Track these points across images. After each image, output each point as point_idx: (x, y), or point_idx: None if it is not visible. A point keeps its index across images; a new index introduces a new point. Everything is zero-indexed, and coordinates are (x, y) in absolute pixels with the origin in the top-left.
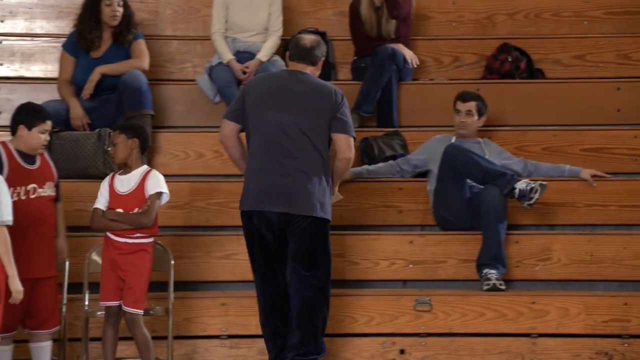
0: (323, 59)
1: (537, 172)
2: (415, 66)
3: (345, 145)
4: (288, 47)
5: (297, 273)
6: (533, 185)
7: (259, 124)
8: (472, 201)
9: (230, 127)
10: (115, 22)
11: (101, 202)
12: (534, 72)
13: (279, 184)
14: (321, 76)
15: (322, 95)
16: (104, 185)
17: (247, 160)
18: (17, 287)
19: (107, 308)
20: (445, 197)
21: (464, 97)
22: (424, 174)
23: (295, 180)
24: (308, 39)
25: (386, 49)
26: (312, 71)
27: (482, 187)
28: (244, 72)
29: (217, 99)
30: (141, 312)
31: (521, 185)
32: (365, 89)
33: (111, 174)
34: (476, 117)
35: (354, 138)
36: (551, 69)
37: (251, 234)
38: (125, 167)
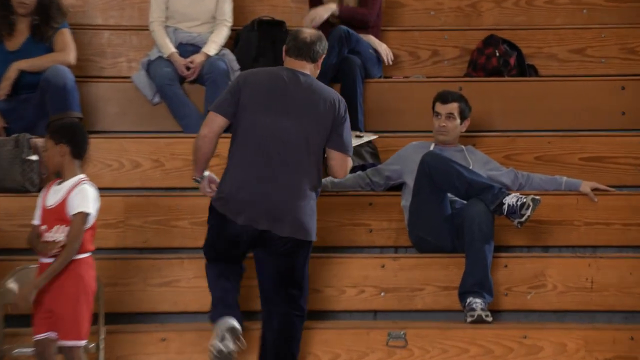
0: (324, 55)
1: (529, 184)
2: (390, 63)
3: (339, 166)
4: (286, 41)
5: (278, 293)
6: (524, 200)
7: (252, 127)
8: (454, 218)
9: (218, 124)
10: (24, 12)
11: (36, 216)
12: (525, 69)
13: (268, 199)
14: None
15: (326, 103)
16: (39, 197)
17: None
18: None
19: (35, 342)
20: (422, 214)
21: (444, 97)
22: (398, 187)
23: (287, 196)
24: (308, 32)
25: (339, 29)
26: (311, 69)
27: (465, 202)
28: (188, 68)
29: (157, 99)
30: (79, 343)
31: (511, 200)
32: None
33: (49, 183)
34: (458, 121)
35: (351, 158)
36: (545, 65)
37: (220, 233)
38: (63, 177)
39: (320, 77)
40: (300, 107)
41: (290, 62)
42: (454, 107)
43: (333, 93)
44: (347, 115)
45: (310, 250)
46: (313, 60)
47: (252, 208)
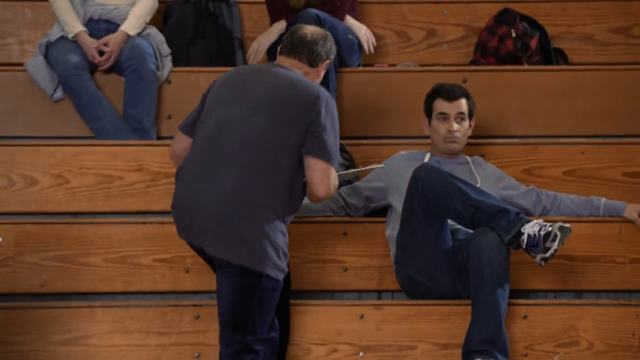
0: (328, 61)
1: (555, 208)
2: (372, 51)
3: (319, 179)
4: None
5: (224, 334)
6: (550, 228)
7: (204, 120)
8: (457, 253)
9: (183, 144)
10: None
11: None
12: (551, 54)
13: (203, 206)
14: (220, 56)
15: (303, 98)
16: None
17: None
18: None
19: None
20: (414, 248)
21: (450, 93)
22: (382, 212)
23: (226, 203)
24: (310, 29)
25: (307, 14)
26: (307, 73)
27: (471, 231)
28: (101, 53)
29: (59, 93)
30: None
31: (532, 228)
32: None
33: None
34: (467, 123)
35: (336, 169)
36: (578, 49)
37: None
38: None
39: None
40: (269, 101)
41: (280, 61)
42: (463, 104)
43: (316, 88)
44: (332, 115)
45: (270, 289)
46: (310, 62)
47: (188, 218)
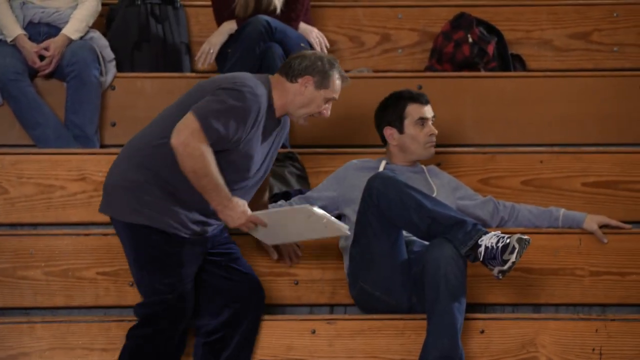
0: (310, 79)
1: (513, 219)
2: (325, 53)
3: (181, 125)
4: None
5: None
6: (507, 240)
7: None
8: (412, 266)
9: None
10: None
11: None
12: (509, 61)
13: None
14: (167, 61)
15: (214, 82)
16: None
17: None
18: None
19: None
20: (368, 260)
21: (422, 97)
22: None
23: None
24: (308, 52)
25: (257, 21)
26: (286, 90)
27: (427, 243)
28: (42, 57)
29: None
30: None
31: (489, 240)
32: None
33: None
34: None
35: (205, 129)
36: (537, 55)
37: None
38: None
39: None
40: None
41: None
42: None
43: (230, 77)
44: (227, 99)
45: (134, 234)
46: (287, 76)
47: None
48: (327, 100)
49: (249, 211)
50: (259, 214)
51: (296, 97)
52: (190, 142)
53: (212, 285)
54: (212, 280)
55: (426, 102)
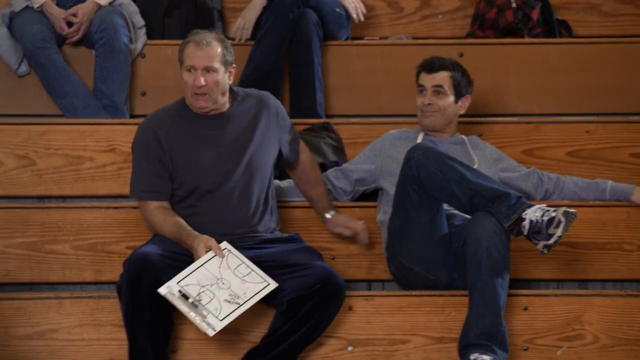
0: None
1: (558, 191)
2: (361, 19)
3: None
4: None
5: None
6: (553, 214)
7: None
8: (453, 240)
9: None
10: None
11: None
12: (554, 27)
13: None
14: (198, 28)
15: None
16: None
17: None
18: None
19: None
20: (407, 234)
21: (430, 65)
22: (372, 195)
23: None
24: None
25: None
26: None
27: (468, 217)
28: (70, 24)
29: (24, 67)
30: None
31: (534, 214)
32: (257, 57)
33: None
34: (451, 98)
35: (139, 198)
36: (583, 20)
37: None
38: None
39: (271, 57)
40: None
41: None
42: (444, 77)
43: None
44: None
45: None
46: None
47: None
48: (188, 70)
49: (204, 245)
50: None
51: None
52: (146, 223)
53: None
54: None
55: (432, 71)
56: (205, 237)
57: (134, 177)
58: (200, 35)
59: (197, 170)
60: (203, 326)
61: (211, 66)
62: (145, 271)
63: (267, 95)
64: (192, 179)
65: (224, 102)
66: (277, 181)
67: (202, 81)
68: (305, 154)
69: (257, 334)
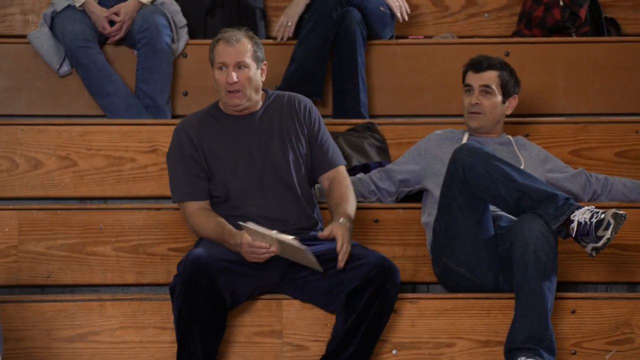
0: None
1: (607, 193)
2: (405, 19)
3: None
4: None
5: None
6: (602, 215)
7: None
8: (499, 243)
9: None
10: None
11: None
12: (603, 25)
13: None
14: (240, 27)
15: None
16: None
17: None
18: None
19: None
20: (452, 236)
21: (477, 64)
22: (416, 197)
23: None
24: None
25: None
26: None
27: (515, 218)
28: (112, 23)
29: (65, 67)
30: None
31: (582, 215)
32: (300, 57)
33: None
34: (499, 98)
35: (179, 200)
36: (632, 18)
37: None
38: None
39: (314, 57)
40: None
41: None
42: (491, 77)
43: None
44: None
45: None
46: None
47: None
48: (220, 68)
49: (245, 240)
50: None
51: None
52: (187, 225)
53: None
54: None
55: (480, 70)
56: (239, 234)
57: (173, 181)
58: (229, 33)
59: (229, 170)
60: (295, 242)
61: (242, 61)
62: (201, 273)
63: (299, 96)
64: (225, 179)
65: (257, 99)
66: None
67: (235, 77)
68: (341, 172)
69: (300, 336)
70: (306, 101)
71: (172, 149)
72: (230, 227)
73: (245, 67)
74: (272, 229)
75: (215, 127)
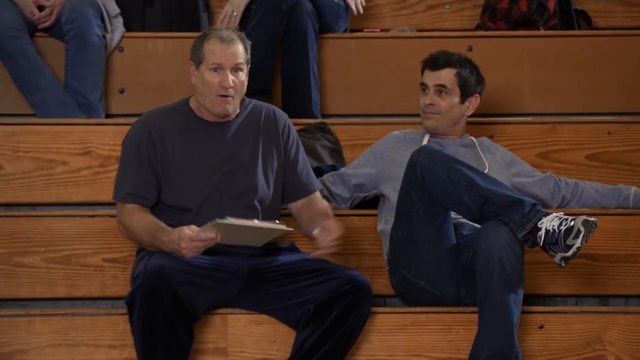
0: (190, 64)
1: (577, 198)
2: (360, 11)
3: None
4: None
5: None
6: (572, 223)
7: None
8: (461, 252)
9: None
10: None
11: None
12: (572, 18)
13: None
14: (182, 18)
15: None
16: None
17: None
18: None
19: None
20: (411, 245)
21: (433, 62)
22: (372, 203)
23: None
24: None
25: None
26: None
27: (478, 226)
28: (41, 8)
29: None
30: None
31: (550, 223)
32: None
33: None
34: (457, 99)
35: (119, 199)
36: (604, 11)
37: None
38: None
39: (262, 51)
40: None
41: None
42: (448, 75)
43: None
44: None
45: None
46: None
47: None
48: (214, 69)
49: (185, 233)
50: (208, 225)
51: (196, 92)
52: (120, 227)
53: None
54: None
55: (435, 68)
56: (179, 228)
57: (121, 176)
58: (222, 31)
59: (191, 178)
60: (276, 224)
61: (239, 64)
62: (163, 285)
63: (278, 111)
64: (185, 188)
65: (237, 107)
66: None
67: (231, 81)
68: (318, 196)
69: (247, 354)
70: (285, 118)
71: (128, 141)
72: (165, 225)
73: (241, 70)
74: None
75: (184, 129)
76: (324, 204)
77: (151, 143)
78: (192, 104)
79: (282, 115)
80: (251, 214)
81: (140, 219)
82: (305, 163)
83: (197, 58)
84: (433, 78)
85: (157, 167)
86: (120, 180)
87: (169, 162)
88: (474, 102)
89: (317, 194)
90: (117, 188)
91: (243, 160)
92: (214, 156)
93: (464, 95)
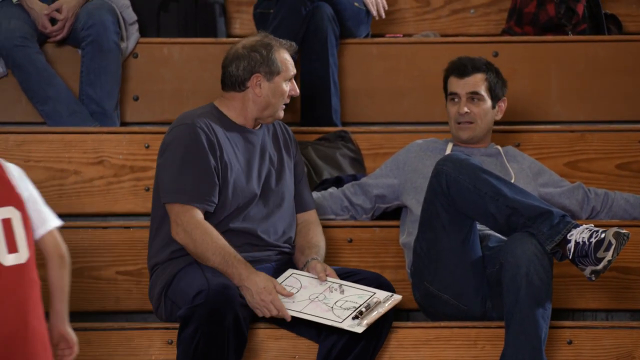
0: (257, 75)
1: (607, 209)
2: (382, 16)
3: (171, 223)
4: None
5: None
6: (603, 235)
7: None
8: (487, 265)
9: None
10: None
11: None
12: (602, 22)
13: None
14: (198, 24)
15: None
16: None
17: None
18: None
19: None
20: (435, 257)
21: (461, 68)
22: (395, 214)
23: None
24: (231, 50)
25: None
26: (244, 99)
27: (505, 238)
28: (53, 21)
29: (1, 69)
30: None
31: (580, 235)
32: None
33: None
34: (489, 104)
35: (184, 201)
36: (635, 15)
37: None
38: None
39: None
40: None
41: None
42: (478, 80)
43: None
44: (170, 144)
45: None
46: (235, 88)
47: None
48: (287, 82)
49: (273, 287)
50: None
51: (255, 102)
52: (180, 233)
53: None
54: None
55: (465, 74)
56: (265, 275)
57: (177, 177)
58: (284, 41)
59: (239, 182)
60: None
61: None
62: (227, 305)
63: (283, 124)
64: (234, 192)
65: None
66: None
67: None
68: (314, 215)
69: None
70: (291, 132)
71: (180, 142)
72: (240, 256)
73: None
74: (269, 239)
75: (226, 133)
76: (317, 234)
77: (211, 144)
78: (223, 109)
79: (288, 128)
80: (286, 209)
81: (215, 238)
82: (305, 177)
83: (269, 69)
84: (464, 86)
85: (217, 168)
86: (176, 182)
87: (223, 165)
88: (502, 106)
89: (315, 216)
90: (173, 191)
91: (277, 166)
92: (254, 161)
93: (494, 100)
